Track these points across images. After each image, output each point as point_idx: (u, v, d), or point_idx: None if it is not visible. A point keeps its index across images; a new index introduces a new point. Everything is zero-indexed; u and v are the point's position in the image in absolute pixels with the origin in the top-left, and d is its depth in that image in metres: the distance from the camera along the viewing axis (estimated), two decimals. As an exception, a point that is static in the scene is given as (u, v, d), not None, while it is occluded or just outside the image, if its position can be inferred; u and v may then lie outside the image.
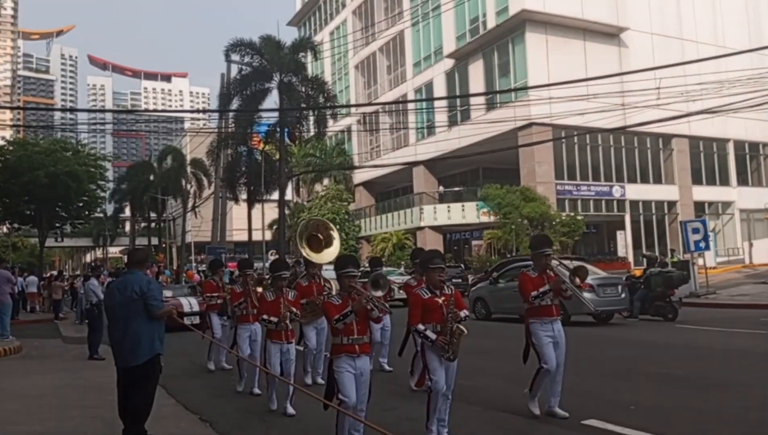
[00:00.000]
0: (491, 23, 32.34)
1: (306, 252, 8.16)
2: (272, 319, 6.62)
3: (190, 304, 16.56)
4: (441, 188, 37.45)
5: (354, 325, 4.75)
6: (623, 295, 14.40)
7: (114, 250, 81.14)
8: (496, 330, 13.72)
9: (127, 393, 5.42)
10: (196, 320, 15.33)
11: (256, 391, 7.77)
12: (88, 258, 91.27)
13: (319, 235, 8.31)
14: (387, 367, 8.84)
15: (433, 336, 5.05)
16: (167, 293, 18.33)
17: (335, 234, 8.47)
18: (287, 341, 6.77)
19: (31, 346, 13.53)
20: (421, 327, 5.08)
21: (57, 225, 34.89)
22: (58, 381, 9.21)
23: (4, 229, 40.90)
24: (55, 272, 35.33)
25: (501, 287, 15.93)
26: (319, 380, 8.15)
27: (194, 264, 47.77)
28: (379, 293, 4.81)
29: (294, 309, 6.79)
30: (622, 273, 22.00)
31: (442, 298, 5.17)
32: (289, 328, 6.74)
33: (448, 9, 34.41)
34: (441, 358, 5.09)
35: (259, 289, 7.73)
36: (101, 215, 56.97)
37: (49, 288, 23.78)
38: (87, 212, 35.31)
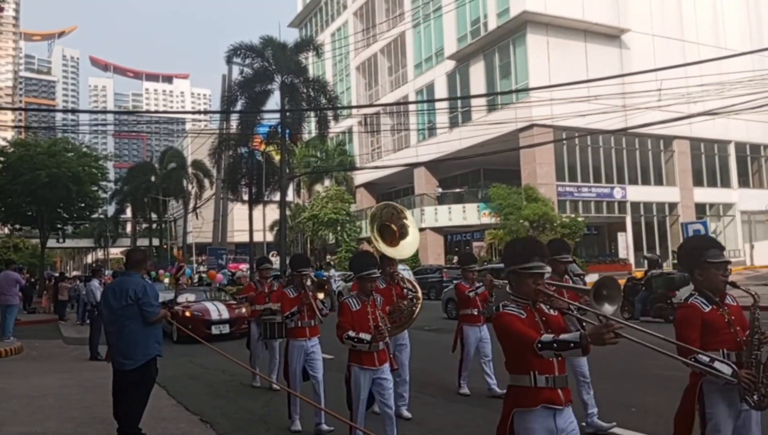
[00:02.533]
0: (492, 24, 32.33)
1: (380, 245, 6.53)
2: (362, 336, 4.68)
3: (218, 310, 13.79)
4: (438, 189, 37.42)
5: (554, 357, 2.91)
6: None
7: (115, 251, 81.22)
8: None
9: (123, 394, 5.42)
10: (226, 330, 13.37)
11: (325, 427, 5.92)
12: (90, 259, 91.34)
13: (392, 225, 6.74)
14: None
15: (727, 370, 3.16)
16: (190, 297, 15.63)
17: (410, 222, 6.84)
18: (390, 367, 4.93)
19: (32, 346, 13.55)
20: (703, 358, 3.23)
21: (58, 226, 34.90)
22: (59, 381, 9.21)
23: (6, 230, 40.84)
24: (57, 274, 35.36)
25: None
26: (405, 413, 6.35)
27: (194, 265, 47.79)
28: (609, 310, 2.89)
29: (387, 322, 5.01)
30: (623, 275, 21.98)
31: (727, 310, 3.43)
32: (383, 348, 4.89)
33: (450, 10, 34.45)
34: (737, 402, 3.22)
35: (321, 296, 6.33)
36: (102, 216, 57.10)
37: (54, 289, 23.78)
38: (88, 213, 35.32)
